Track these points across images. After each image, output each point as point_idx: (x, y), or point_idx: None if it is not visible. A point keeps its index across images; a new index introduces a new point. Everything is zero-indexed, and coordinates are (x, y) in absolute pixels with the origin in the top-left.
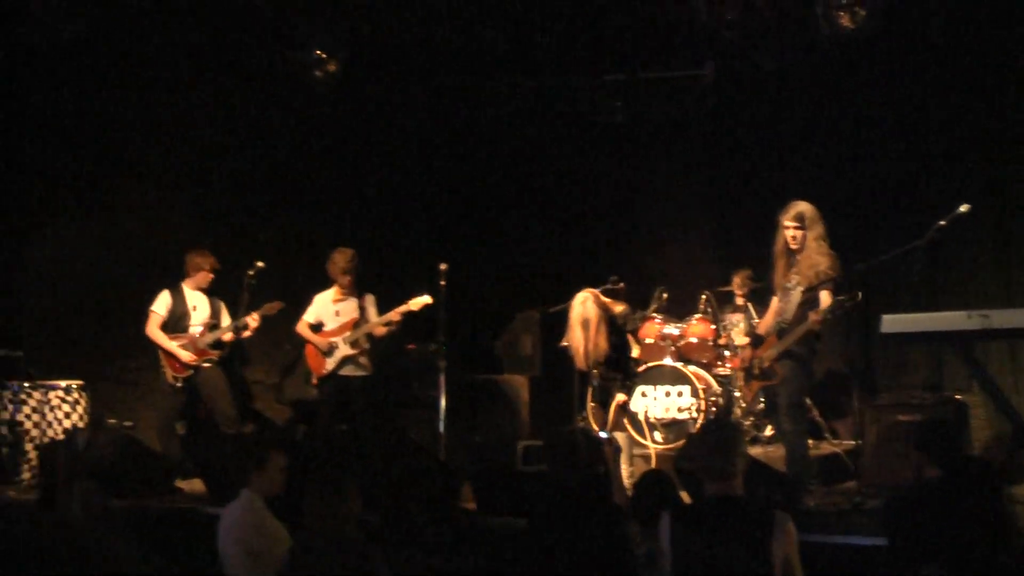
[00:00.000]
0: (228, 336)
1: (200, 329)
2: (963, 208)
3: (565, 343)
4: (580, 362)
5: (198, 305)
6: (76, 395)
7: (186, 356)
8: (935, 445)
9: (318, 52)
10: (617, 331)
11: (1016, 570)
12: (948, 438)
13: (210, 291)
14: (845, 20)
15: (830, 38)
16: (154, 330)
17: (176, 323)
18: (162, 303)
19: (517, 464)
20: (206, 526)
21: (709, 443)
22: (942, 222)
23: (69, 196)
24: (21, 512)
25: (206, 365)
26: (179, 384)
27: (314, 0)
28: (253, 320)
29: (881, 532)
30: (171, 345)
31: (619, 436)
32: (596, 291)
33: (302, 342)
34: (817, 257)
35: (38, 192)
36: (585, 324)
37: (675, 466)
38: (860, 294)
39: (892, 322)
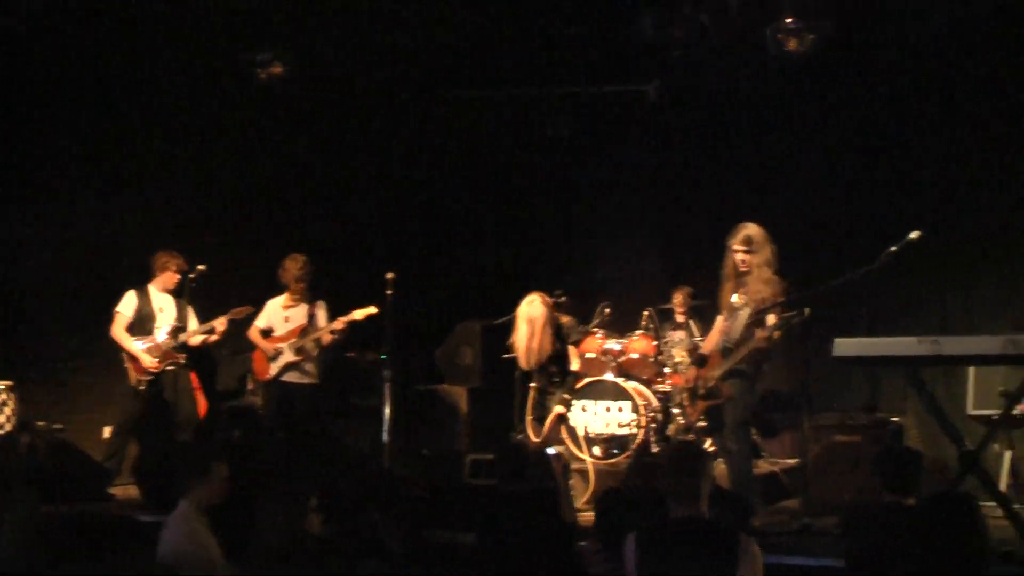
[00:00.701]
0: (195, 340)
1: (166, 332)
2: (913, 235)
3: (511, 342)
4: (523, 361)
5: (164, 307)
6: (3, 396)
7: (149, 362)
8: (893, 471)
9: (264, 54)
10: (561, 339)
11: None
12: (906, 464)
13: (177, 292)
14: (793, 43)
15: (778, 60)
16: (119, 332)
17: (142, 324)
18: (128, 304)
19: (465, 477)
20: (141, 533)
21: (676, 465)
22: (893, 248)
23: (11, 202)
24: None
25: (171, 368)
26: (142, 388)
27: (267, 7)
28: (221, 324)
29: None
30: (135, 348)
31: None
32: (545, 294)
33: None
34: (763, 281)
35: None
36: (532, 322)
37: (624, 483)
38: (808, 310)
39: (844, 346)
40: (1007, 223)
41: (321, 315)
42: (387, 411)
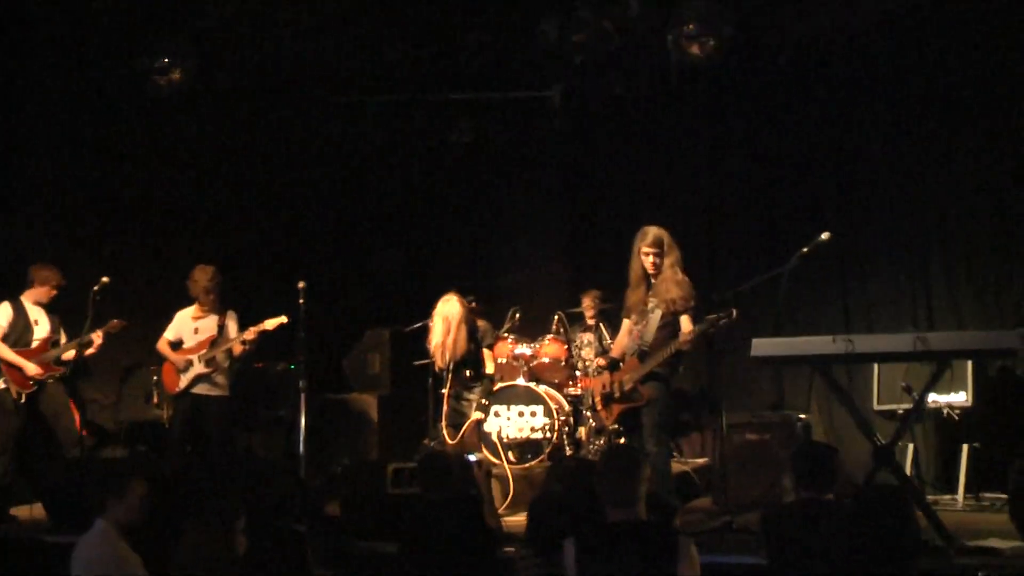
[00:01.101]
0: (70, 353)
1: (38, 344)
2: (824, 236)
3: (428, 343)
4: (438, 359)
5: (39, 320)
6: None
7: (33, 369)
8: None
9: (162, 60)
10: (476, 342)
11: None
12: (824, 460)
13: (49, 307)
14: (695, 49)
15: (680, 66)
16: None
17: (18, 337)
18: (3, 315)
19: (387, 487)
20: (48, 555)
21: (613, 468)
22: (804, 249)
23: None
24: None
25: (50, 381)
26: (23, 400)
27: (164, 13)
28: (97, 337)
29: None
30: (16, 357)
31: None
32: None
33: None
34: (673, 283)
35: None
36: (447, 320)
37: (543, 488)
38: (736, 312)
39: (761, 346)
40: (902, 222)
41: (231, 325)
42: (303, 421)
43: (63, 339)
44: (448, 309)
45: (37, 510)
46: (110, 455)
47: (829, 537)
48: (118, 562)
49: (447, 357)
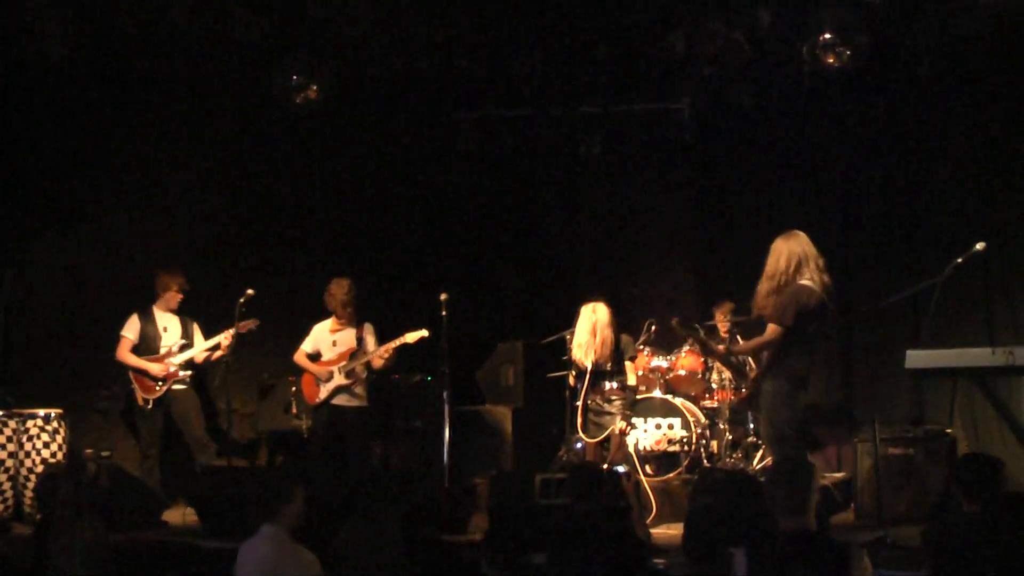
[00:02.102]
0: (200, 356)
1: (166, 351)
2: (979, 246)
3: (568, 350)
4: (583, 358)
5: (168, 327)
6: (55, 424)
7: (157, 368)
8: (977, 479)
9: (297, 77)
10: (620, 351)
11: None
12: (991, 473)
13: (182, 312)
14: (831, 59)
15: (813, 76)
16: (125, 353)
17: (147, 346)
18: (132, 327)
19: (535, 497)
20: (203, 561)
21: (787, 477)
22: (959, 259)
23: (41, 224)
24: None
25: (177, 387)
26: (149, 406)
27: (298, 30)
28: (225, 339)
29: (915, 565)
30: (141, 362)
31: None
32: None
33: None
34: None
35: (10, 219)
36: (595, 323)
37: (690, 499)
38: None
39: (916, 358)
40: None
41: (370, 338)
42: (446, 433)
43: (198, 342)
44: (596, 314)
45: (178, 516)
46: (253, 464)
47: (998, 551)
48: (297, 563)
49: (592, 357)
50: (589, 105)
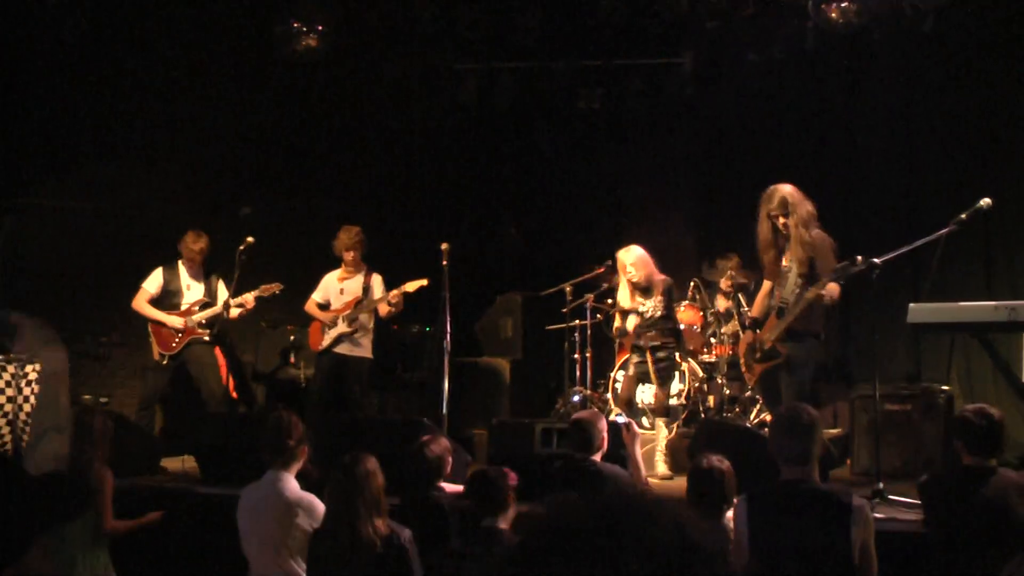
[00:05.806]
0: (209, 313)
1: (187, 308)
2: (984, 202)
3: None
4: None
5: (192, 285)
6: None
7: (176, 322)
8: (976, 433)
9: (298, 24)
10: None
11: None
12: (991, 426)
13: (207, 271)
14: (835, 14)
15: (817, 31)
16: (141, 303)
17: (169, 302)
18: (153, 281)
19: (535, 447)
20: (199, 506)
21: (789, 427)
22: (962, 215)
23: (49, 172)
24: None
25: (196, 345)
26: (165, 362)
27: None
28: (249, 301)
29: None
30: (159, 314)
31: None
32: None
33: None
34: (799, 243)
35: (9, 165)
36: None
37: (689, 451)
38: (861, 258)
39: (918, 312)
40: None
41: (376, 287)
42: (446, 384)
43: (222, 299)
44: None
45: (176, 463)
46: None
47: (994, 502)
48: (304, 509)
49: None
50: (590, 58)
